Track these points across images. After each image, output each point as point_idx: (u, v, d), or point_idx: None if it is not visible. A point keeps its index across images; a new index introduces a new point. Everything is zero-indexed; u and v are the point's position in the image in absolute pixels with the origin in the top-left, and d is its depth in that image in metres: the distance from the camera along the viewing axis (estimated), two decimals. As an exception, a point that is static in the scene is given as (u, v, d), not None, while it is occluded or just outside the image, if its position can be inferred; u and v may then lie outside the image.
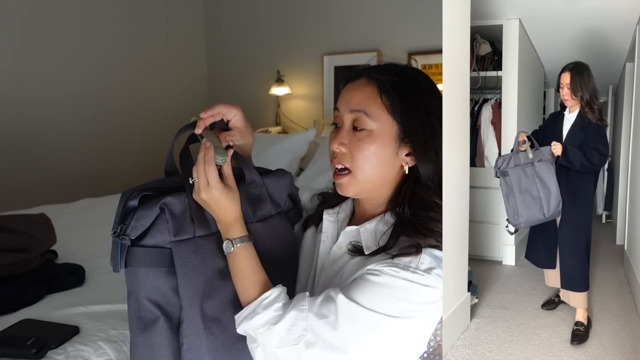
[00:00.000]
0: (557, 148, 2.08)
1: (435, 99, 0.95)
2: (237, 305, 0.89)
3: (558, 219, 2.18)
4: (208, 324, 0.85)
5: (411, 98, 0.92)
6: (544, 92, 3.86)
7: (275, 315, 0.85)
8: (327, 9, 3.89)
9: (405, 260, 0.86)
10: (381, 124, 0.91)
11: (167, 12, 4.37)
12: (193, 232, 0.87)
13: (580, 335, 2.10)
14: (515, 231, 2.22)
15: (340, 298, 0.84)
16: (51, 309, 1.51)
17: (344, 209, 1.04)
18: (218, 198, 0.87)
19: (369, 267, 0.87)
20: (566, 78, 2.11)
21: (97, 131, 3.93)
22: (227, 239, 0.89)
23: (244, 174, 0.95)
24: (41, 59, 3.60)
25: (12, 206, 2.60)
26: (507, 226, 2.16)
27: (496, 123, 3.17)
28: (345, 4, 3.80)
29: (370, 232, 0.94)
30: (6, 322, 1.40)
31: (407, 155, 0.93)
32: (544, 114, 3.83)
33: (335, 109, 0.97)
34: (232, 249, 0.88)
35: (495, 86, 3.18)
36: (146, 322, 0.84)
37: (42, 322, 1.41)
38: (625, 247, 2.91)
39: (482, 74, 3.10)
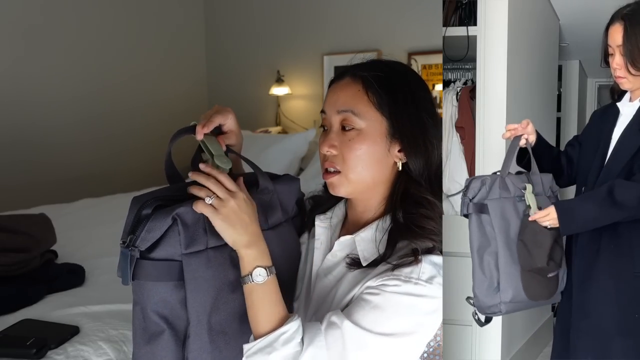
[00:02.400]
0: (545, 217, 1.18)
1: (423, 92, 0.94)
2: (243, 317, 0.86)
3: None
4: (214, 337, 0.83)
5: (398, 92, 0.91)
6: (559, 67, 2.34)
7: (294, 352, 0.81)
8: (327, 9, 3.89)
9: (406, 270, 0.84)
10: (370, 121, 0.90)
11: (167, 13, 4.36)
12: (206, 243, 0.83)
13: None
14: (487, 321, 1.29)
15: (346, 325, 0.82)
16: (51, 309, 1.51)
17: (337, 214, 1.02)
18: (245, 206, 0.81)
19: (369, 283, 0.85)
20: (616, 34, 1.22)
21: (97, 132, 3.93)
22: (261, 267, 0.82)
23: (251, 180, 0.93)
24: (41, 61, 3.60)
25: (12, 206, 2.60)
26: (474, 313, 1.28)
27: (464, 127, 1.86)
28: (345, 3, 3.80)
29: (366, 241, 0.91)
30: (6, 322, 1.40)
31: (399, 151, 0.91)
32: (559, 110, 2.38)
33: (322, 111, 0.95)
34: (267, 277, 0.82)
35: (464, 56, 1.82)
36: (151, 334, 0.82)
37: (42, 322, 1.41)
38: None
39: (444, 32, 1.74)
